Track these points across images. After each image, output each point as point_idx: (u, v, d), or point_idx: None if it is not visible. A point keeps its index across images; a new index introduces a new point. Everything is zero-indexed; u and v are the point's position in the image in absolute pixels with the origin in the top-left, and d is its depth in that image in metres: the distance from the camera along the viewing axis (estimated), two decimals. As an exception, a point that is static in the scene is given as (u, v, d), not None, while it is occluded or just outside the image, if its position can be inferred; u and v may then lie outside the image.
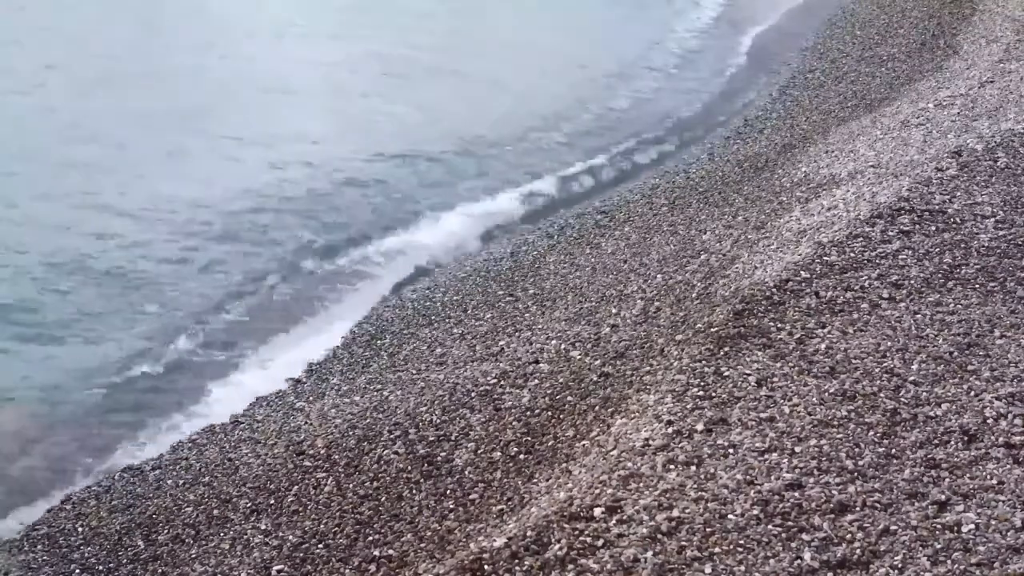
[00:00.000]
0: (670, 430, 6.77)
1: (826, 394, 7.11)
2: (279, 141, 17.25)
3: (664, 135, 19.35)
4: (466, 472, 7.94)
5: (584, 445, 7.46)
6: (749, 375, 7.40)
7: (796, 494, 6.03)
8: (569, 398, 8.52)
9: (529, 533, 5.91)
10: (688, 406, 7.05)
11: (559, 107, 20.21)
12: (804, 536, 5.71)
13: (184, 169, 15.67)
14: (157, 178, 15.15)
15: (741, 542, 5.66)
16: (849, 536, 5.70)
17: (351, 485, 8.21)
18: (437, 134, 18.00)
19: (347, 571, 7.25)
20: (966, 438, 6.63)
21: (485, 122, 18.85)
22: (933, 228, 9.92)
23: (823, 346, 7.78)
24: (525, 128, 18.78)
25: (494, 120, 19.05)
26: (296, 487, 8.39)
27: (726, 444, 6.55)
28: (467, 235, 14.70)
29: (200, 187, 14.95)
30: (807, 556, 5.54)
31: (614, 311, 10.47)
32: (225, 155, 16.52)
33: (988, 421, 6.80)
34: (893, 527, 5.77)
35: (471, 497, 7.60)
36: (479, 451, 8.17)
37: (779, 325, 8.16)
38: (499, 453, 8.04)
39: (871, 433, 6.66)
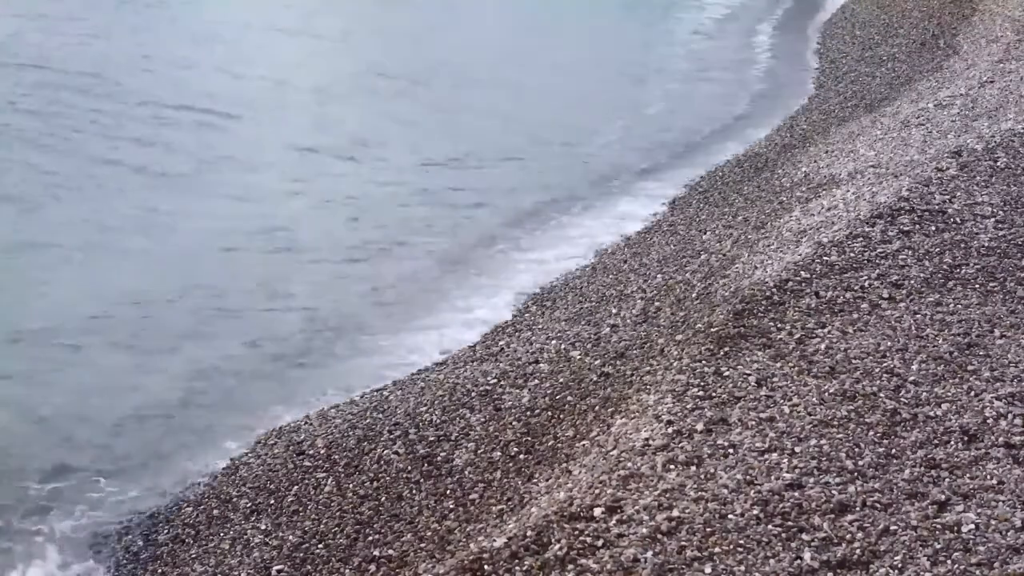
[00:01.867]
0: (670, 430, 6.77)
1: (826, 394, 7.11)
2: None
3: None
4: (466, 472, 7.94)
5: (584, 445, 7.46)
6: (749, 375, 7.39)
7: (796, 494, 6.03)
8: (569, 398, 8.52)
9: (529, 533, 5.90)
10: (688, 406, 7.05)
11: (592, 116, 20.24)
12: (804, 536, 5.70)
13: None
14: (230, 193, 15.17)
15: (741, 542, 5.66)
16: (849, 536, 5.70)
17: (351, 485, 8.21)
18: (468, 144, 18.03)
19: (347, 571, 7.25)
20: (966, 438, 6.63)
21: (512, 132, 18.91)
22: (933, 228, 9.92)
23: (823, 346, 7.78)
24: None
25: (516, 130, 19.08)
26: (296, 487, 8.39)
27: (726, 444, 6.55)
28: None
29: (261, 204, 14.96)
30: (807, 556, 5.54)
31: (614, 311, 10.47)
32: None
33: (988, 421, 6.80)
34: (893, 527, 5.77)
35: (471, 497, 7.60)
36: (479, 451, 8.17)
37: (779, 325, 8.15)
38: (499, 453, 8.03)
39: (871, 433, 6.66)
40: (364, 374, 10.55)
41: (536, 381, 9.10)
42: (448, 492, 7.77)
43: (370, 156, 17.25)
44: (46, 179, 14.97)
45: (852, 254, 9.39)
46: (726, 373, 7.45)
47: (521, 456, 7.89)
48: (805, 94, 21.26)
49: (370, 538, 7.52)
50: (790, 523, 5.80)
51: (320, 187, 15.77)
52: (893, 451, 6.49)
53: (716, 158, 17.52)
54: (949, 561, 5.52)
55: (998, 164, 11.73)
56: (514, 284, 12.69)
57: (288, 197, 15.34)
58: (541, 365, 9.43)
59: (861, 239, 9.69)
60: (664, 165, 17.75)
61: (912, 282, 8.83)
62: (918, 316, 8.24)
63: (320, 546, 7.61)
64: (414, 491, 7.92)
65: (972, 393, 7.15)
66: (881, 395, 7.09)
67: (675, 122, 20.35)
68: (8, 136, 16.48)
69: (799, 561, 5.51)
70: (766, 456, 6.41)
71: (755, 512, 5.88)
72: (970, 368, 7.48)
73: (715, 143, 18.81)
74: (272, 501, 8.29)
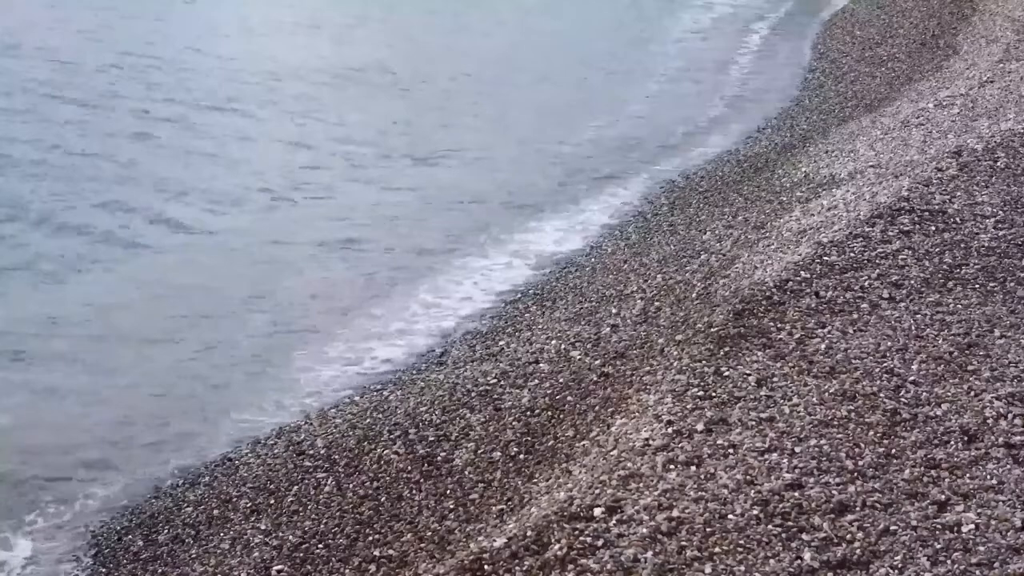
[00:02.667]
0: (670, 430, 6.77)
1: (826, 394, 7.10)
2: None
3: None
4: (466, 472, 7.94)
5: (584, 445, 7.46)
6: (749, 375, 7.39)
7: (796, 494, 6.03)
8: (569, 398, 8.51)
9: (529, 533, 5.90)
10: (688, 406, 7.05)
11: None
12: (804, 536, 5.70)
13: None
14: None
15: (741, 542, 5.66)
16: (849, 536, 5.70)
17: (351, 485, 8.21)
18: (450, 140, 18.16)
19: (347, 571, 7.25)
20: (966, 438, 6.62)
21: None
22: (933, 228, 9.92)
23: (823, 346, 7.78)
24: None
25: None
26: (296, 487, 8.39)
27: (726, 444, 6.55)
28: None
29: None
30: (807, 556, 5.54)
31: (614, 311, 10.47)
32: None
33: (988, 421, 6.80)
34: (893, 527, 5.77)
35: (471, 497, 7.60)
36: (479, 451, 8.17)
37: (779, 325, 8.15)
38: (499, 453, 8.03)
39: (871, 433, 6.66)
40: (329, 379, 10.51)
41: (536, 381, 9.10)
42: (448, 492, 7.77)
43: (353, 152, 17.35)
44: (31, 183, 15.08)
45: (852, 254, 9.39)
46: (726, 373, 7.44)
47: (521, 456, 7.89)
48: (789, 96, 21.30)
49: (370, 538, 7.51)
50: (790, 523, 5.80)
51: (300, 184, 15.85)
52: (893, 451, 6.48)
53: (690, 160, 17.55)
54: (949, 561, 5.52)
55: (998, 164, 11.73)
56: (488, 285, 12.70)
57: (267, 193, 15.42)
58: (541, 365, 9.43)
59: (861, 239, 9.69)
60: (632, 167, 17.64)
61: (912, 282, 8.83)
62: (918, 316, 8.24)
63: (320, 546, 7.61)
64: (414, 491, 7.92)
65: (972, 393, 7.14)
66: (881, 395, 7.09)
67: (652, 122, 20.38)
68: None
69: (799, 561, 5.51)
70: (766, 456, 6.41)
71: (755, 512, 5.87)
72: (970, 368, 7.47)
73: (690, 144, 18.83)
74: (272, 501, 8.29)
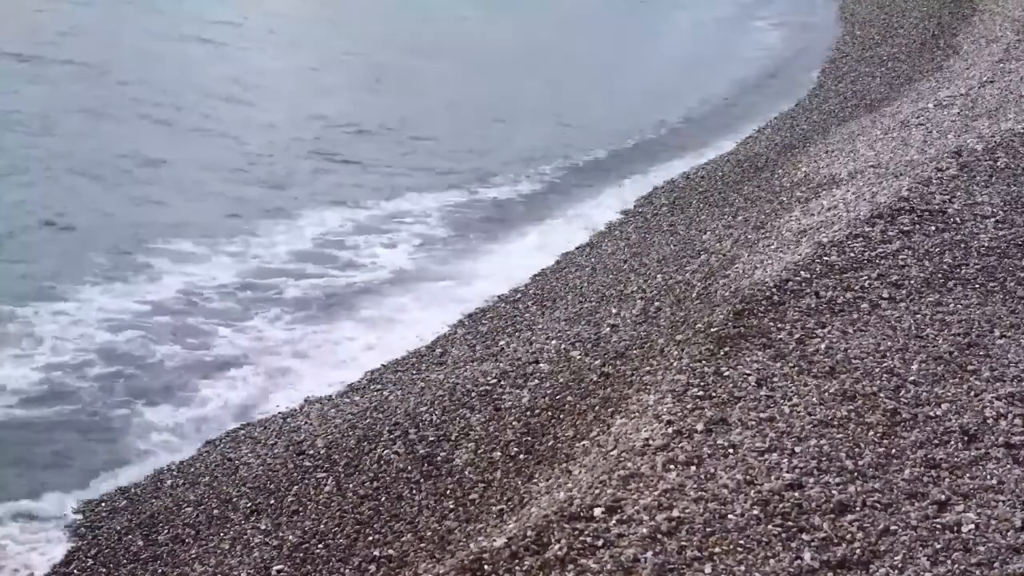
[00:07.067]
0: (670, 430, 6.76)
1: (826, 394, 7.10)
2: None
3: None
4: (466, 472, 7.94)
5: (584, 445, 7.46)
6: (749, 375, 7.39)
7: (796, 494, 6.03)
8: (569, 398, 8.51)
9: (529, 533, 5.90)
10: (688, 406, 7.04)
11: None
12: (804, 536, 5.70)
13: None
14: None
15: (741, 542, 5.65)
16: (849, 536, 5.70)
17: (351, 485, 8.21)
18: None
19: (347, 571, 7.25)
20: (966, 438, 6.62)
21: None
22: (933, 228, 9.92)
23: (823, 346, 7.78)
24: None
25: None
26: (296, 487, 8.39)
27: (726, 444, 6.54)
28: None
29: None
30: (807, 556, 5.54)
31: (614, 311, 10.47)
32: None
33: (988, 421, 6.80)
34: (893, 527, 5.77)
35: (471, 497, 7.59)
36: (479, 451, 8.17)
37: (779, 325, 8.15)
38: (499, 453, 8.03)
39: (871, 433, 6.66)
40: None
41: (536, 381, 9.10)
42: (448, 492, 7.77)
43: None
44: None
45: (852, 254, 9.39)
46: (726, 373, 7.44)
47: (521, 456, 7.89)
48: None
49: (370, 538, 7.51)
50: (790, 523, 5.80)
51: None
52: (893, 451, 6.48)
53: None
54: (949, 561, 5.52)
55: (998, 164, 11.73)
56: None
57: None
58: (541, 365, 9.43)
59: (861, 239, 9.69)
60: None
61: (912, 282, 8.83)
62: (918, 316, 8.24)
63: (320, 546, 7.61)
64: (414, 491, 7.92)
65: (972, 393, 7.14)
66: (881, 395, 7.09)
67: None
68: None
69: (799, 561, 5.51)
70: (766, 456, 6.41)
71: (755, 512, 5.87)
72: (970, 368, 7.47)
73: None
74: (272, 501, 8.29)
